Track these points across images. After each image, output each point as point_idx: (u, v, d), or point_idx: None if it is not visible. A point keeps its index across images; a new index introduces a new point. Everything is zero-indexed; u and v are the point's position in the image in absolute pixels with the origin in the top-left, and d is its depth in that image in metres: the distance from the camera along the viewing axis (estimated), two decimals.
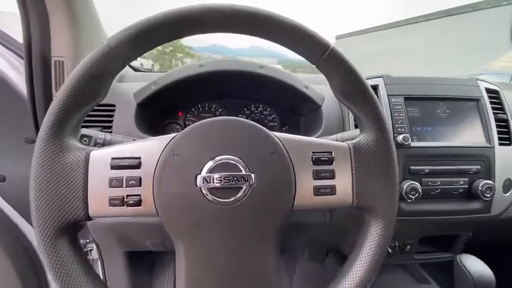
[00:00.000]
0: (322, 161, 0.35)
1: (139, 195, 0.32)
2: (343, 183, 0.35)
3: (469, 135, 0.62)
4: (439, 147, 0.60)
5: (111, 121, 0.59)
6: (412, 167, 0.58)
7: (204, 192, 0.31)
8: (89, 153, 0.33)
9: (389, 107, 0.60)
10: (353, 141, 0.37)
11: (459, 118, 0.63)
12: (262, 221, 0.32)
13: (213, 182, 0.31)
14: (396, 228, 0.60)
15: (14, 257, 0.78)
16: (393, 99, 0.61)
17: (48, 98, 0.60)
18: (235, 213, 0.32)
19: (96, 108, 0.61)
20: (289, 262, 0.96)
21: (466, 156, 0.60)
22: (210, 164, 0.32)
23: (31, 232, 0.79)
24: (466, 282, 0.58)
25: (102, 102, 0.61)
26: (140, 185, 0.32)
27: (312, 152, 0.35)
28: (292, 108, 0.70)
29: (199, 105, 0.73)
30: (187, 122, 0.72)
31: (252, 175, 0.32)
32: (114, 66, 0.34)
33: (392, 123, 0.59)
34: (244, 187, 0.32)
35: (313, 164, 0.35)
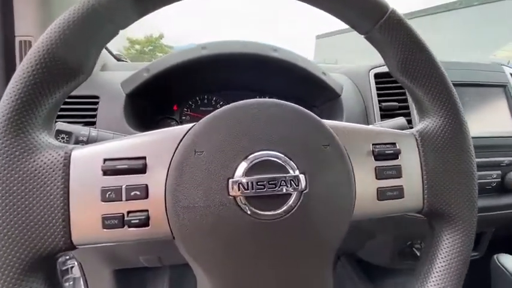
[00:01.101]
0: (387, 155, 0.27)
1: (146, 210, 0.23)
2: (412, 183, 0.27)
3: (499, 123, 0.58)
4: (490, 138, 0.54)
5: (93, 116, 0.48)
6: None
7: (241, 202, 0.22)
8: (70, 154, 0.23)
9: None
10: (418, 128, 0.29)
11: (487, 105, 0.58)
12: (319, 239, 0.24)
13: (253, 189, 0.22)
14: (418, 229, 0.53)
15: None
16: None
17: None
18: (284, 231, 0.23)
19: (74, 101, 0.51)
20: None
21: (497, 147, 0.55)
22: (245, 163, 0.23)
23: None
24: (505, 282, 0.53)
25: (83, 93, 0.51)
26: (147, 197, 0.23)
27: (373, 144, 0.27)
28: (305, 99, 0.62)
29: (198, 98, 0.63)
30: (183, 117, 0.62)
31: (303, 177, 0.23)
32: (104, 31, 0.24)
33: None
34: (295, 194, 0.23)
35: (375, 160, 0.27)
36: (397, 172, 0.27)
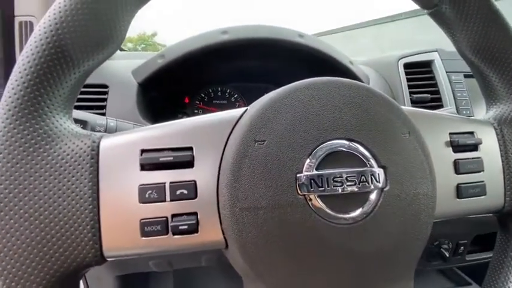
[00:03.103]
0: (466, 146, 0.23)
1: (195, 213, 0.18)
2: (494, 178, 0.24)
3: None
4: None
5: (103, 107, 0.43)
6: None
7: (312, 202, 0.18)
8: (98, 143, 0.18)
9: (450, 86, 0.50)
10: (492, 115, 0.26)
11: None
12: (402, 245, 0.20)
13: (328, 186, 0.18)
14: (446, 229, 0.49)
15: None
16: (453, 77, 0.51)
17: (8, 68, 0.43)
18: (361, 237, 0.19)
19: (82, 90, 0.46)
20: None
21: None
22: (316, 154, 0.19)
23: None
24: None
25: (91, 82, 0.46)
26: (196, 196, 0.18)
27: (450, 134, 0.23)
28: None
29: (210, 90, 0.58)
30: (196, 111, 0.58)
31: (382, 171, 0.19)
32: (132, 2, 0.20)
33: (456, 104, 0.49)
34: (375, 192, 0.19)
35: (454, 151, 0.23)
36: (478, 166, 0.23)
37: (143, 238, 0.18)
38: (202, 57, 0.46)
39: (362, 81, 0.51)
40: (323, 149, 0.19)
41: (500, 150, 0.24)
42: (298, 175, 0.18)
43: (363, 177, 0.19)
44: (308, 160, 0.19)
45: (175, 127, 0.20)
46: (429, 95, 0.51)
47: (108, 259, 0.18)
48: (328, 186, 0.18)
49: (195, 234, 0.18)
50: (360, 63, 0.61)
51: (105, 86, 0.44)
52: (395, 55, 0.54)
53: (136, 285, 0.73)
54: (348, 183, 0.18)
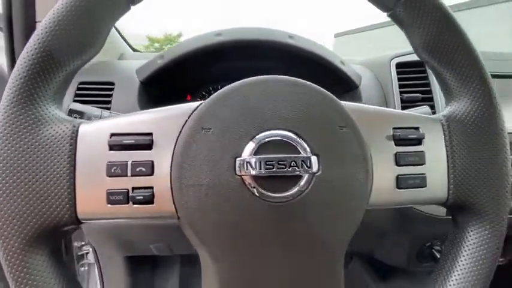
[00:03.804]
0: (408, 140, 0.25)
1: (151, 187, 0.22)
2: (436, 172, 0.25)
3: None
4: None
5: (108, 102, 0.48)
6: None
7: (248, 182, 0.21)
8: (78, 127, 0.23)
9: None
10: (444, 112, 0.27)
11: None
12: (331, 227, 0.22)
13: (261, 168, 0.21)
14: (438, 229, 0.49)
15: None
16: None
17: None
18: (292, 214, 0.21)
19: (90, 86, 0.52)
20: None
21: None
22: (254, 141, 0.22)
23: None
24: None
25: (99, 79, 0.52)
26: (152, 173, 0.22)
27: (394, 128, 0.25)
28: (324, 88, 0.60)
29: (211, 88, 0.62)
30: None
31: (315, 158, 0.22)
32: (116, 5, 0.24)
33: None
34: (306, 176, 0.22)
35: (396, 145, 0.25)
36: (419, 159, 0.25)
37: (109, 205, 0.22)
38: (198, 58, 0.50)
39: (353, 81, 0.53)
40: (261, 137, 0.22)
41: (446, 146, 0.26)
42: (237, 159, 0.21)
43: (293, 162, 0.21)
44: (247, 146, 0.22)
45: (140, 116, 0.24)
46: (420, 95, 0.51)
47: (82, 221, 0.22)
48: (261, 169, 0.21)
49: (151, 205, 0.22)
50: (357, 62, 0.62)
51: (112, 84, 0.49)
52: (389, 55, 0.55)
53: (145, 267, 0.79)
54: (279, 167, 0.21)
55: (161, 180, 0.22)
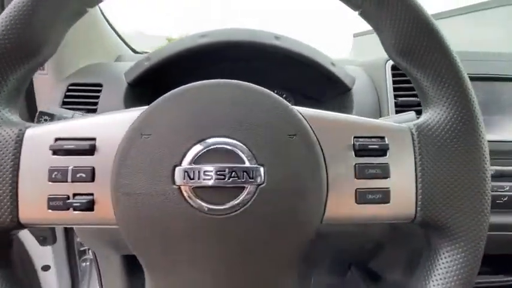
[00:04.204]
0: (371, 151, 0.23)
1: (91, 194, 0.21)
2: (402, 187, 0.23)
3: None
4: (508, 142, 0.46)
5: (95, 103, 0.49)
6: None
7: (186, 194, 0.20)
8: (24, 131, 0.22)
9: None
10: (417, 121, 0.24)
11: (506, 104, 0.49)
12: (275, 241, 0.21)
13: (200, 178, 0.20)
14: None
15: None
16: None
17: None
18: (232, 229, 0.20)
19: (79, 88, 0.53)
20: (304, 271, 0.84)
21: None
22: (196, 149, 0.21)
23: (25, 235, 0.72)
24: None
25: (87, 81, 0.52)
26: (93, 180, 0.22)
27: (355, 137, 0.23)
28: (313, 94, 0.58)
29: None
30: None
31: (261, 169, 0.20)
32: (69, 9, 0.24)
33: None
34: (249, 187, 0.20)
35: (356, 155, 0.23)
36: (382, 172, 0.23)
37: (49, 211, 0.21)
38: (184, 60, 0.50)
39: (345, 83, 0.50)
40: (203, 145, 0.21)
41: (415, 158, 0.23)
42: (176, 167, 0.20)
43: (234, 172, 0.20)
44: (187, 154, 0.20)
45: (86, 120, 0.23)
46: (417, 99, 0.48)
47: (25, 226, 0.22)
48: (199, 179, 0.20)
49: (91, 212, 0.21)
50: (357, 64, 0.59)
51: (100, 85, 0.50)
52: (385, 57, 0.52)
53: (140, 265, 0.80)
54: (218, 177, 0.20)
55: (102, 187, 0.21)
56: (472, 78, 0.47)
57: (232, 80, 0.23)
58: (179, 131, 0.21)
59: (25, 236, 0.69)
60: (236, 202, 0.20)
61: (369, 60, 0.57)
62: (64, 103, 0.49)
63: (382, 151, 0.23)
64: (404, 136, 0.24)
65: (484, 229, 0.23)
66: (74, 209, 0.21)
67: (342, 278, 0.80)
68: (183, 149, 0.20)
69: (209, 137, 0.21)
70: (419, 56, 0.24)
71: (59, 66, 0.52)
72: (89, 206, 0.21)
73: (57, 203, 0.21)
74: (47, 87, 0.51)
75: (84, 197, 0.21)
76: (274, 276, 0.21)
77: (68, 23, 0.25)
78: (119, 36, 0.72)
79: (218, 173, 0.20)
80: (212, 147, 0.21)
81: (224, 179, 0.20)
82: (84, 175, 0.21)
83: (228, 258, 0.20)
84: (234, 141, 0.21)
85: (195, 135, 0.21)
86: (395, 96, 0.48)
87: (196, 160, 0.20)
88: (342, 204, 0.22)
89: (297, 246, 0.21)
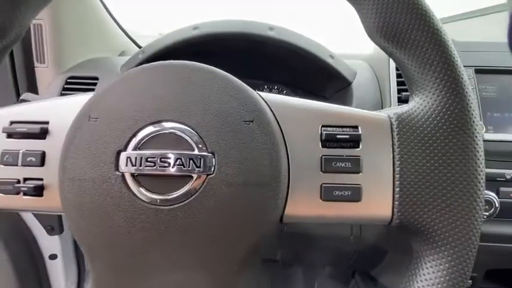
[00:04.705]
0: (340, 141, 0.20)
1: (41, 179, 0.21)
2: (376, 183, 0.20)
3: None
4: None
5: None
6: (485, 170, 0.40)
7: (129, 181, 0.19)
8: None
9: None
10: (399, 109, 0.21)
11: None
12: (223, 239, 0.19)
13: (143, 165, 0.18)
14: None
15: (13, 251, 0.74)
16: None
17: (29, 68, 0.52)
18: (177, 221, 0.18)
19: (76, 81, 0.54)
20: (307, 276, 0.81)
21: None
22: (142, 134, 0.19)
23: (33, 224, 0.75)
24: None
25: (83, 74, 0.53)
26: (43, 164, 0.21)
27: (323, 126, 0.21)
28: (313, 89, 0.55)
29: None
30: None
31: (211, 157, 0.19)
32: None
33: None
34: (195, 176, 0.18)
35: (323, 146, 0.20)
36: (353, 165, 0.20)
37: (1, 195, 0.21)
38: (177, 52, 0.49)
39: (344, 77, 0.47)
40: (150, 129, 0.19)
41: (393, 151, 0.20)
42: (120, 153, 0.19)
43: (179, 160, 0.18)
44: (133, 139, 0.19)
45: (40, 104, 0.22)
46: None
47: None
48: (141, 166, 0.18)
49: (40, 198, 0.21)
50: (362, 58, 0.56)
51: (96, 78, 0.50)
52: None
53: None
54: (162, 165, 0.18)
55: (52, 172, 0.21)
56: (481, 71, 0.43)
57: (188, 61, 0.21)
58: (126, 114, 0.19)
59: (33, 224, 0.72)
60: (181, 193, 0.18)
61: (372, 54, 0.54)
62: (62, 95, 0.50)
63: (354, 142, 0.20)
64: (381, 126, 0.21)
65: (474, 236, 0.19)
66: (24, 194, 0.21)
67: (345, 285, 0.76)
68: (129, 134, 0.19)
69: (157, 122, 0.19)
70: (404, 36, 0.21)
71: (59, 60, 0.53)
72: (38, 192, 0.21)
73: (8, 187, 0.21)
74: (48, 79, 0.53)
75: (33, 181, 0.21)
76: (222, 276, 0.19)
77: (34, 8, 0.24)
78: (125, 32, 0.73)
79: (162, 160, 0.18)
80: (160, 132, 0.19)
81: (168, 166, 0.18)
82: (34, 159, 0.21)
83: (170, 254, 0.19)
84: (184, 127, 0.19)
85: (142, 119, 0.19)
86: (399, 91, 0.45)
87: (142, 146, 0.19)
88: (305, 201, 0.20)
89: (250, 244, 0.19)
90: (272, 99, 0.21)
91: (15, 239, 0.74)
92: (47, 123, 0.21)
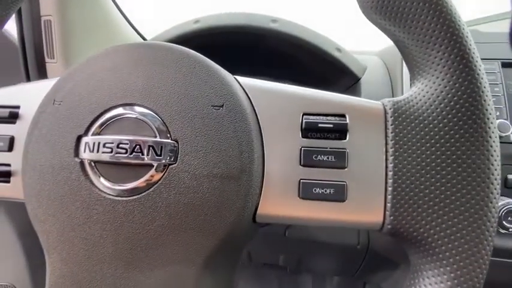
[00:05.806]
0: (323, 131, 0.18)
1: (9, 164, 0.20)
2: (365, 181, 0.17)
3: None
4: None
5: None
6: (510, 176, 0.35)
7: (88, 168, 0.17)
8: None
9: None
10: (395, 98, 0.19)
11: None
12: (183, 237, 0.17)
13: (100, 152, 0.17)
14: None
15: (22, 232, 0.76)
16: (485, 66, 0.38)
17: (40, 64, 0.54)
18: (134, 213, 0.17)
19: None
20: (316, 285, 0.77)
21: None
22: (103, 118, 0.18)
23: None
24: None
25: None
26: (11, 150, 0.20)
27: (304, 114, 0.18)
28: (323, 85, 0.52)
29: None
30: None
31: (173, 145, 0.17)
32: None
33: None
34: (155, 165, 0.17)
35: (304, 136, 0.18)
36: (337, 160, 0.17)
37: None
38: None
39: (352, 72, 0.44)
40: (112, 113, 0.18)
41: (386, 144, 0.17)
42: (81, 138, 0.18)
43: (138, 147, 0.17)
44: (94, 125, 0.18)
45: (14, 88, 0.22)
46: None
47: None
48: (98, 152, 0.17)
49: (7, 184, 0.20)
50: (374, 53, 0.52)
51: None
52: None
53: None
54: (119, 151, 0.17)
55: (21, 157, 0.20)
56: (508, 65, 0.38)
57: (158, 42, 0.19)
58: (89, 98, 0.18)
59: None
60: (139, 183, 0.17)
61: (385, 49, 0.50)
62: None
63: (340, 133, 0.18)
64: (373, 115, 0.18)
65: (484, 250, 0.16)
66: None
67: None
68: (90, 118, 0.18)
69: (120, 105, 0.18)
70: (403, 10, 0.18)
71: (67, 55, 0.54)
72: (5, 177, 0.20)
73: None
74: (58, 74, 0.54)
75: (3, 167, 0.20)
76: (180, 277, 0.17)
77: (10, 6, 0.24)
78: (132, 26, 0.74)
79: (119, 146, 0.17)
80: (122, 117, 0.18)
81: (125, 153, 0.17)
82: (2, 144, 0.20)
83: (124, 251, 0.17)
84: (146, 111, 0.17)
85: (105, 103, 0.18)
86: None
87: (102, 131, 0.18)
88: (281, 199, 0.18)
89: (213, 245, 0.17)
90: (249, 83, 0.19)
91: (26, 223, 0.76)
92: (18, 107, 0.21)
